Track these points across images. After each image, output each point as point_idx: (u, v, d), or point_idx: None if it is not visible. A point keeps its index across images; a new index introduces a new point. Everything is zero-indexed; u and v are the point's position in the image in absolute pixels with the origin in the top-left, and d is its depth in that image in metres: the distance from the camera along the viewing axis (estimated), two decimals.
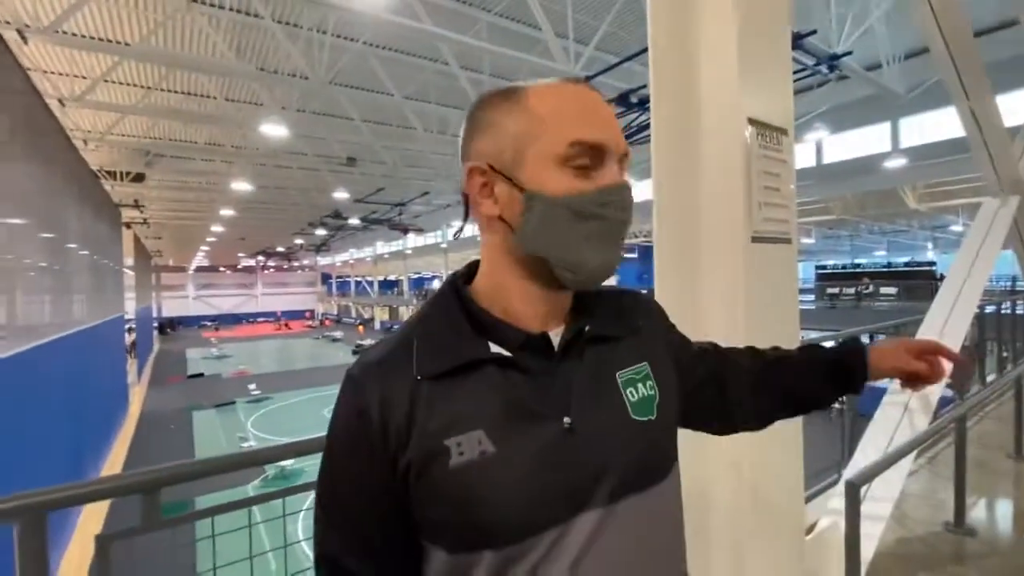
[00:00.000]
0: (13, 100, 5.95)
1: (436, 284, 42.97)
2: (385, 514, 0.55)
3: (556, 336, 0.59)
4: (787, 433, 1.44)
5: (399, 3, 6.92)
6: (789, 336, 1.45)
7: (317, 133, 12.71)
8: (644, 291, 0.78)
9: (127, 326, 19.58)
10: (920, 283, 16.61)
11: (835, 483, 2.48)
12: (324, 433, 0.60)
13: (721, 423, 0.79)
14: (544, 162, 0.55)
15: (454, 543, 0.53)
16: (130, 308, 21.46)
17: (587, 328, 0.61)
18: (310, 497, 1.22)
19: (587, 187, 0.54)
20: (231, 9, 7.65)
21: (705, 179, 1.39)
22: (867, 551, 1.93)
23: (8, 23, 6.26)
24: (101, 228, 12.91)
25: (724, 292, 1.35)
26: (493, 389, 0.55)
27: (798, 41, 7.07)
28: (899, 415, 2.57)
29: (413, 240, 33.40)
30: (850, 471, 2.12)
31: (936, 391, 2.68)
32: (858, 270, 24.66)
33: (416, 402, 0.54)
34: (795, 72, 8.10)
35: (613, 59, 8.71)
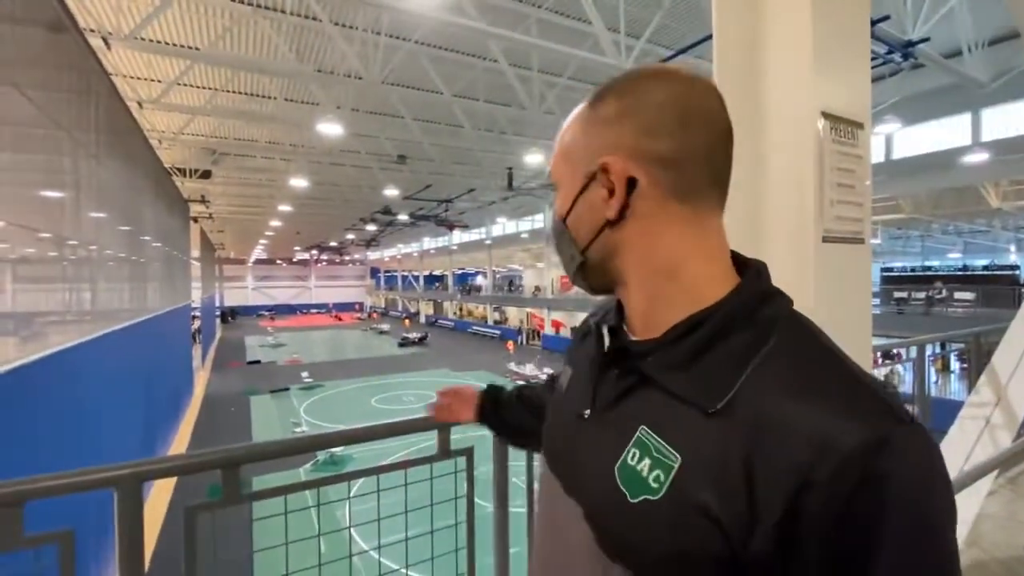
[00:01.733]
0: (99, 103, 6.46)
1: (480, 280, 43.56)
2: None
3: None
4: None
5: (451, 2, 7.02)
6: (860, 344, 1.38)
7: (370, 131, 13.11)
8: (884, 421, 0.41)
9: (193, 314, 20.93)
10: (1002, 288, 15.27)
11: None
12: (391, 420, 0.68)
13: None
14: None
15: None
16: (196, 297, 22.90)
17: (648, 359, 0.52)
18: (359, 484, 1.28)
19: None
20: (292, 13, 8.00)
21: (772, 175, 1.34)
22: None
23: (93, 31, 6.81)
24: (173, 222, 13.85)
25: (793, 295, 1.30)
26: (590, 353, 0.62)
27: (870, 28, 6.64)
28: (979, 430, 2.38)
29: (458, 236, 33.89)
30: None
31: (1023, 406, 2.46)
32: (929, 272, 23.00)
33: (587, 332, 0.67)
34: None
35: (666, 52, 8.50)
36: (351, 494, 1.23)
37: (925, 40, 7.20)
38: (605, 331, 0.59)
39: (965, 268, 24.65)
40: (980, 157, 10.46)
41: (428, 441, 1.28)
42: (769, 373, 0.45)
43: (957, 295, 13.84)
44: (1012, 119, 10.39)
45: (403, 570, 1.22)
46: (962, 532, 1.98)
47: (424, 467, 1.21)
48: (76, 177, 5.49)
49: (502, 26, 7.43)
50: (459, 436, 1.17)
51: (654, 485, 0.46)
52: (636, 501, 0.47)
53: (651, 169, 0.50)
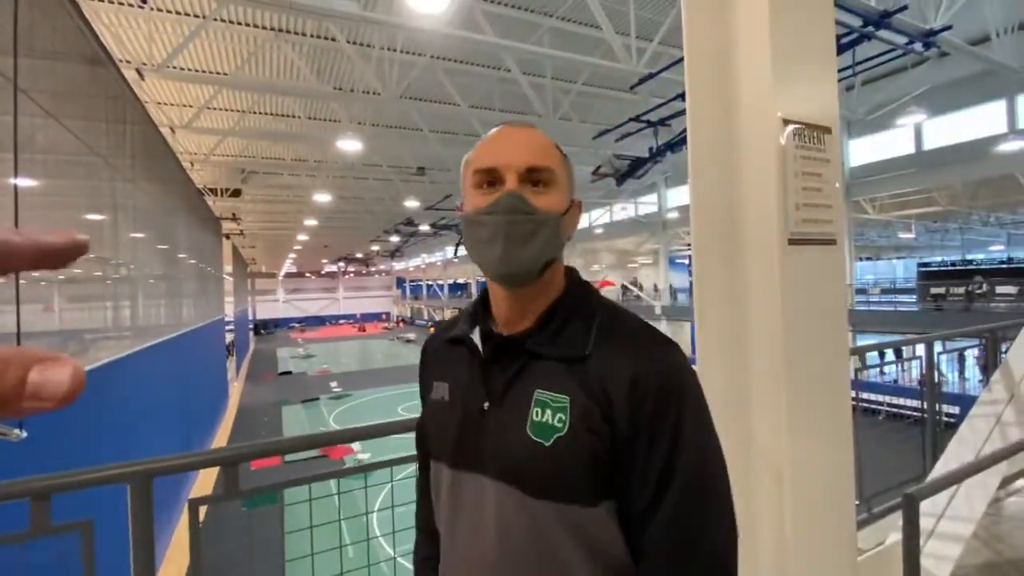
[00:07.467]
0: (135, 130, 6.86)
1: None
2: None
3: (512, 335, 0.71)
4: (836, 441, 1.40)
5: (463, 17, 7.18)
6: (836, 342, 1.41)
7: (390, 145, 13.42)
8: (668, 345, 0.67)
9: (227, 327, 21.67)
10: None
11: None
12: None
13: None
14: (466, 190, 0.72)
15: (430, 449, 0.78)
16: (230, 311, 23.70)
17: (528, 339, 0.69)
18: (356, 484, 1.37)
19: (484, 202, 0.68)
20: (311, 35, 8.32)
21: (741, 182, 1.38)
22: (942, 571, 1.78)
23: (128, 63, 7.23)
24: (206, 239, 14.43)
25: (762, 297, 1.34)
26: (464, 361, 0.74)
27: (885, 20, 6.51)
28: (989, 428, 2.33)
29: None
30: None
31: None
32: (970, 267, 22.00)
33: (437, 354, 0.81)
34: (884, 53, 7.44)
35: (679, 53, 8.47)
36: (339, 491, 1.33)
37: (948, 28, 7.00)
38: (477, 338, 0.73)
39: (1009, 261, 23.48)
40: (1017, 145, 10.05)
41: None
42: (603, 333, 0.67)
43: (999, 289, 13.21)
44: None
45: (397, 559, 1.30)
46: (968, 529, 1.95)
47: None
48: (114, 200, 5.84)
49: (514, 37, 7.56)
50: None
51: (558, 425, 0.63)
52: (553, 447, 0.63)
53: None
